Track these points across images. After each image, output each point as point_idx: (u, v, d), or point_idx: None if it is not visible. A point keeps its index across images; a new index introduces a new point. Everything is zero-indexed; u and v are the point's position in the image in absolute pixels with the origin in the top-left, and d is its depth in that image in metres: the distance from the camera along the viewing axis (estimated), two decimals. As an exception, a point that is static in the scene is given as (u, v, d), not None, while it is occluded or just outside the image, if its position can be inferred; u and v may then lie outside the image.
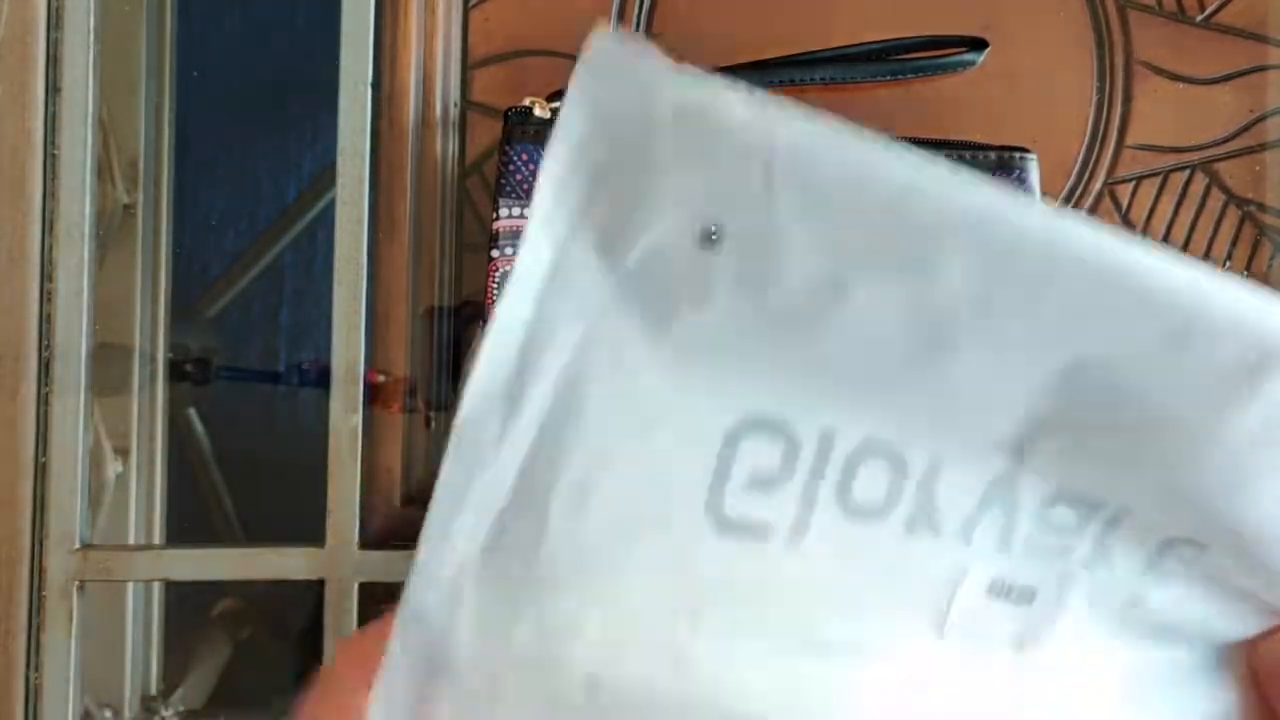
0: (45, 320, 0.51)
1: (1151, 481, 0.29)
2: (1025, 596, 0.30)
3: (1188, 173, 0.56)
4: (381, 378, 0.58)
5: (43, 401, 0.51)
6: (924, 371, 0.28)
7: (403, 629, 0.27)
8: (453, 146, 0.58)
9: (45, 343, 0.51)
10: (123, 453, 0.64)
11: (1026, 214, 0.27)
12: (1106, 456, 0.29)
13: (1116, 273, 0.27)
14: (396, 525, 0.67)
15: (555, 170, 0.26)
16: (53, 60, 0.52)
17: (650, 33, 0.57)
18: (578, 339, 0.27)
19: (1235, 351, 0.27)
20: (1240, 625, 0.31)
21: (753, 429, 0.28)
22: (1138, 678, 0.31)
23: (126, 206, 0.65)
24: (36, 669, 0.51)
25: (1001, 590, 0.29)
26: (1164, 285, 0.27)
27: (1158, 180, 0.56)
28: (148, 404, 0.67)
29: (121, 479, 0.64)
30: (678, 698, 0.27)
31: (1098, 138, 0.56)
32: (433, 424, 0.59)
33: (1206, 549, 0.30)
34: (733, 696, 0.28)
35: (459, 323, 0.58)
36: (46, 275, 0.51)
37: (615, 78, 0.26)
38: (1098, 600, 0.30)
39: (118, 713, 0.62)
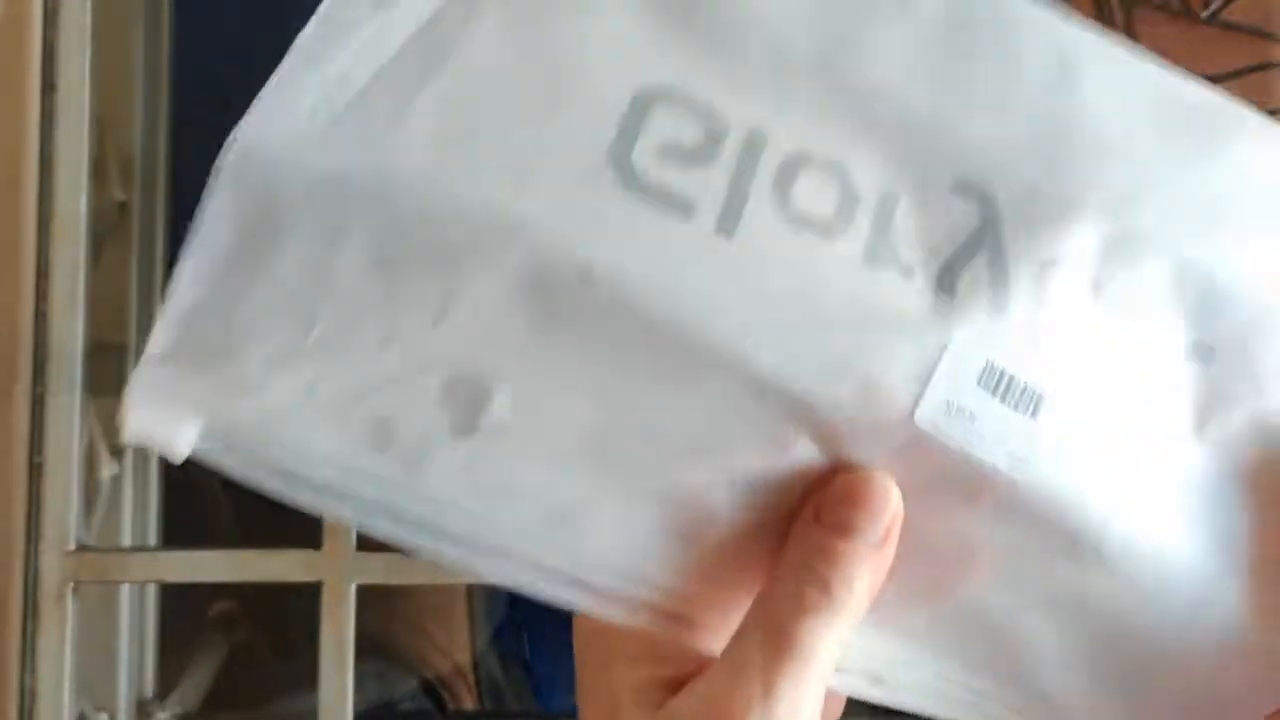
0: (40, 319, 0.51)
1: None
2: (1030, 401, 0.26)
3: (1193, 171, 0.56)
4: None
5: (37, 401, 0.51)
6: (849, 80, 0.26)
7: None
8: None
9: (40, 341, 0.51)
10: (118, 453, 0.64)
11: None
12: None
13: None
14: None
15: None
16: (48, 57, 0.51)
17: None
18: None
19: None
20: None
21: (666, 99, 0.26)
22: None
23: (122, 204, 0.65)
24: (31, 672, 0.50)
25: (993, 379, 0.26)
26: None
27: (1163, 178, 0.56)
28: (143, 404, 0.67)
29: (117, 480, 0.64)
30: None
31: (1102, 135, 0.56)
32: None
33: (1214, 352, 0.28)
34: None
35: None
36: (41, 273, 0.51)
37: None
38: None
39: (113, 716, 0.62)
